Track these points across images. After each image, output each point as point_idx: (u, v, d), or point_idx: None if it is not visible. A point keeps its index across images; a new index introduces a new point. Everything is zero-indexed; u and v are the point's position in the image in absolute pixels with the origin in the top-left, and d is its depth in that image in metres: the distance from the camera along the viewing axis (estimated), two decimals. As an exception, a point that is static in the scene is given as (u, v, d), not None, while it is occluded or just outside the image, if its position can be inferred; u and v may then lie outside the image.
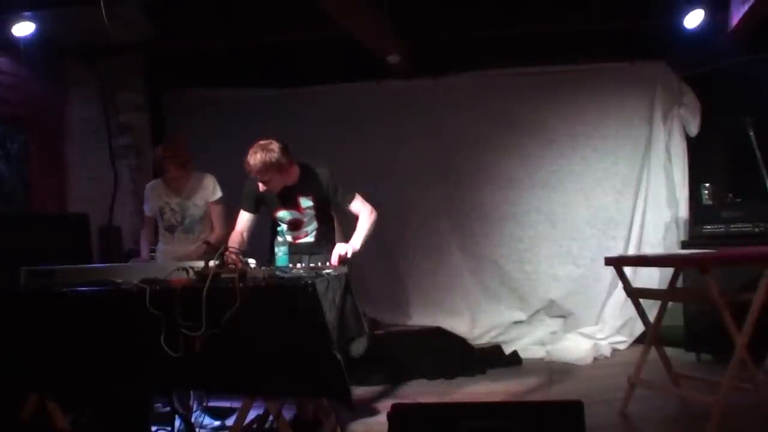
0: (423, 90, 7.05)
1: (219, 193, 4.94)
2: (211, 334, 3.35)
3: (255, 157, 4.19)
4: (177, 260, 4.22)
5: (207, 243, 4.76)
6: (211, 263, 3.47)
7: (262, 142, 4.26)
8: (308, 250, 4.50)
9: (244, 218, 4.51)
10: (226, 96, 7.29)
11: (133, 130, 6.77)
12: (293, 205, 4.44)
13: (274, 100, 7.20)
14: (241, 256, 3.64)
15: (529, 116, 6.82)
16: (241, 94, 7.27)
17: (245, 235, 4.48)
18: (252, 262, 3.72)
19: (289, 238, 4.46)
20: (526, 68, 6.80)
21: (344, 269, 4.03)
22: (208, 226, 4.97)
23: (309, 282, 3.41)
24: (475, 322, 6.83)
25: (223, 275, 3.44)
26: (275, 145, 4.24)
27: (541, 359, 6.29)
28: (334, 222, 4.68)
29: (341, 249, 4.18)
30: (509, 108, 6.85)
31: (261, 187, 4.30)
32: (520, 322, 6.81)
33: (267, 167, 4.20)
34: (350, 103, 7.13)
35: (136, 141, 6.76)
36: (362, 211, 4.43)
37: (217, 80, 7.25)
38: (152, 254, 5.05)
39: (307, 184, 4.40)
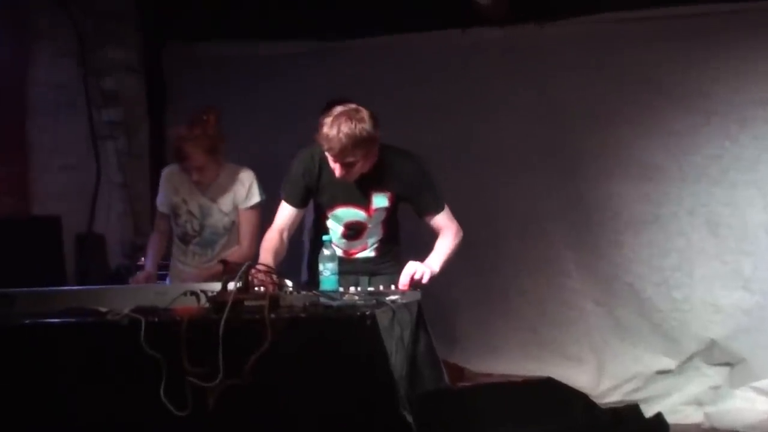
0: (523, 41, 6.99)
1: (256, 197, 4.97)
2: (230, 385, 3.36)
3: (340, 128, 4.18)
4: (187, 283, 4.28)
5: (223, 262, 4.77)
6: (231, 286, 3.47)
7: (342, 108, 4.27)
8: (367, 268, 4.53)
9: (287, 214, 4.50)
10: (248, 52, 7.33)
11: (123, 99, 6.85)
12: (361, 203, 4.45)
13: (314, 56, 7.22)
14: (274, 276, 3.63)
15: (674, 77, 6.71)
16: (269, 50, 7.31)
17: (285, 236, 4.47)
18: (288, 283, 3.72)
19: (339, 250, 4.46)
20: (670, 8, 6.69)
21: (417, 295, 4.01)
22: (236, 242, 5.00)
23: (367, 313, 3.40)
24: (603, 372, 6.76)
25: (247, 303, 3.45)
26: (365, 113, 4.26)
27: (698, 425, 6.23)
28: (400, 231, 4.69)
29: (415, 269, 4.17)
30: (644, 66, 6.75)
31: (339, 171, 4.30)
32: (668, 372, 6.70)
33: (357, 144, 4.20)
34: (422, 60, 7.11)
35: (126, 115, 6.84)
36: (448, 227, 4.48)
37: (236, 31, 7.30)
38: (162, 272, 5.11)
39: (389, 175, 4.42)
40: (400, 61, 7.13)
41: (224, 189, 4.95)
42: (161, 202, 5.12)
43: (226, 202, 4.95)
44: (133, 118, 6.90)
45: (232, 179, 4.96)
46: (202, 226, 4.98)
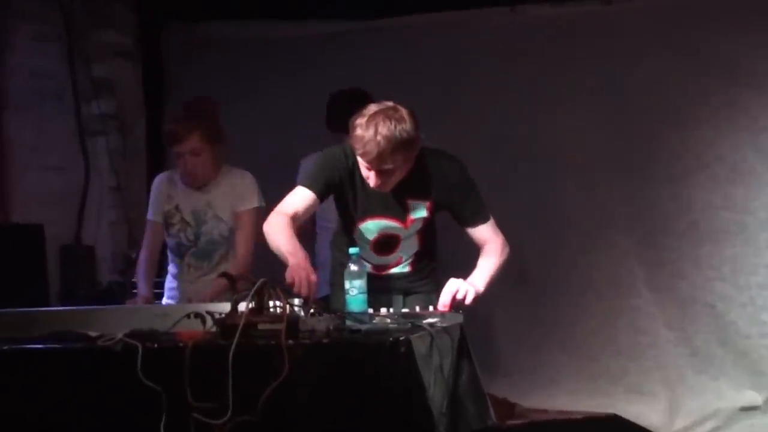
0: (586, 20, 6.98)
1: (255, 202, 5.01)
2: (240, 422, 3.36)
3: (378, 130, 4.14)
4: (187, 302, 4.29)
5: (226, 276, 4.75)
6: (242, 306, 3.48)
7: (378, 106, 4.23)
8: (402, 285, 4.54)
9: (302, 199, 4.37)
10: (261, 35, 7.37)
11: (116, 90, 6.87)
12: (397, 214, 4.46)
13: (338, 39, 7.24)
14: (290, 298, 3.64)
15: (765, 65, 6.67)
16: (284, 32, 7.34)
17: (301, 215, 4.35)
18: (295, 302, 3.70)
19: (369, 265, 4.47)
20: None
21: (459, 318, 4.01)
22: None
23: (401, 338, 3.39)
24: (677, 408, 6.70)
25: (260, 326, 3.45)
26: (404, 112, 4.22)
27: (791, 474, 6.17)
28: (436, 243, 4.72)
29: (457, 287, 4.17)
30: (731, 51, 6.72)
31: (374, 180, 4.28)
32: (754, 408, 6.64)
33: (397, 147, 4.17)
34: (464, 44, 7.11)
35: (120, 108, 6.86)
36: (493, 240, 4.48)
37: (246, 10, 7.32)
38: (157, 291, 5.14)
39: (428, 180, 4.42)
40: (436, 46, 7.13)
41: (221, 191, 5.00)
42: (153, 211, 5.17)
43: (223, 207, 4.99)
44: (127, 112, 6.91)
45: (231, 181, 5.01)
46: (197, 235, 5.03)
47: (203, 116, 4.94)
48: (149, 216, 5.20)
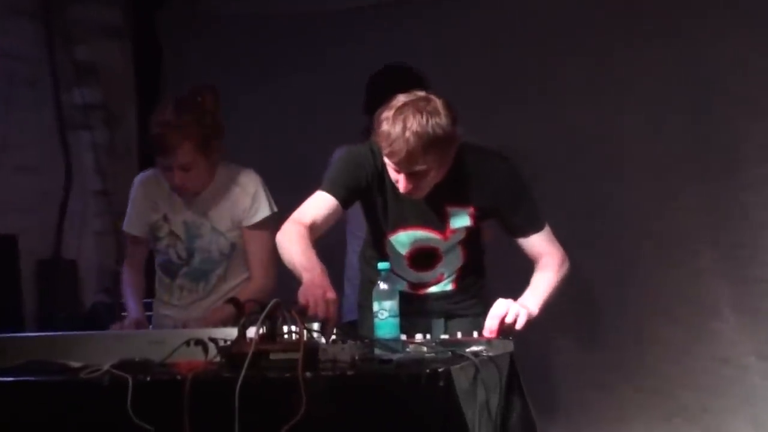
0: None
1: (265, 210, 4.96)
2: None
3: (407, 125, 4.13)
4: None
5: (234, 303, 4.57)
6: (251, 332, 3.48)
7: (407, 98, 4.22)
8: (442, 307, 4.55)
9: (322, 204, 4.38)
10: (275, 9, 7.38)
11: (103, 75, 6.89)
12: (434, 224, 4.46)
13: (368, 15, 7.27)
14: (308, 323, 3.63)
15: None
16: (304, 6, 7.36)
17: (320, 224, 4.33)
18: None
19: (404, 283, 4.50)
20: None
21: (509, 346, 4.02)
22: (241, 270, 5.00)
23: (440, 370, 3.38)
24: (767, 446, 6.69)
25: (273, 355, 3.45)
26: (438, 103, 4.20)
27: None
28: (484, 256, 4.73)
29: (506, 309, 4.16)
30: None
31: (404, 185, 4.27)
32: None
33: (429, 146, 4.15)
34: (515, 22, 7.10)
35: (107, 96, 6.88)
36: (549, 253, 4.49)
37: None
38: (149, 313, 5.14)
39: (470, 183, 4.42)
40: (483, 25, 7.11)
41: (219, 199, 4.92)
42: (133, 223, 5.12)
43: (222, 217, 4.91)
44: (116, 101, 6.94)
45: (230, 186, 4.92)
46: (189, 252, 4.96)
47: (197, 117, 4.81)
48: (130, 230, 5.15)
